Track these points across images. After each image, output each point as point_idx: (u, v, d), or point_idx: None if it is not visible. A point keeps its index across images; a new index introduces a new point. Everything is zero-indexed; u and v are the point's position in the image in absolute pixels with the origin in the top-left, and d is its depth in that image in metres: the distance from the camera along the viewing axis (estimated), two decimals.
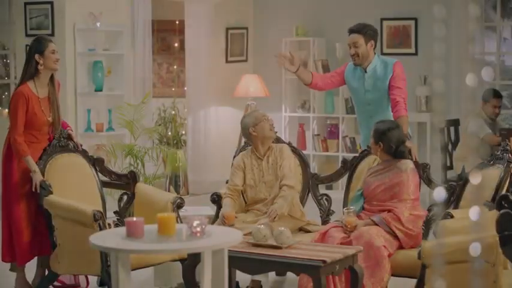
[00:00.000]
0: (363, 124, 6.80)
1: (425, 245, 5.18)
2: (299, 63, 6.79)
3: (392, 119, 6.39)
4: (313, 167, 10.72)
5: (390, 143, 5.93)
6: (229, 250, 4.84)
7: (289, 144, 6.70)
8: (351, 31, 6.65)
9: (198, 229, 4.42)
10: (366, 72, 6.64)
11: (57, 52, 6.24)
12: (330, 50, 10.88)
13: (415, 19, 10.44)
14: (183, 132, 11.61)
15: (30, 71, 6.18)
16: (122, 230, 4.60)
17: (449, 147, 9.49)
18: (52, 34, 9.13)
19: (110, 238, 4.56)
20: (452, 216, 5.55)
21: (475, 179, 3.08)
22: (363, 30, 6.61)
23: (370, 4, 10.63)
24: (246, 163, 6.40)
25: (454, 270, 4.61)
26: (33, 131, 6.22)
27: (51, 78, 6.27)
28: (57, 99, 6.30)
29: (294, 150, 6.75)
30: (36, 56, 6.15)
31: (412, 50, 10.49)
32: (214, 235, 4.55)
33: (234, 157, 6.71)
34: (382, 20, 10.56)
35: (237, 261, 5.41)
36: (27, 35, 9.30)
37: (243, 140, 7.12)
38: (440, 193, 2.63)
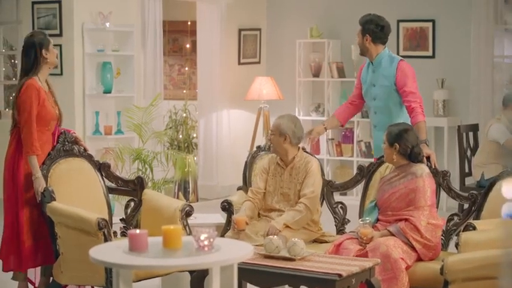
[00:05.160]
0: (377, 127, 6.57)
1: (448, 260, 4.91)
2: (323, 126, 6.76)
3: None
4: (327, 172, 10.57)
5: (407, 143, 5.70)
6: (239, 262, 4.60)
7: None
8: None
9: (206, 243, 4.16)
10: (372, 64, 6.55)
11: None
12: (345, 52, 10.71)
13: (433, 21, 10.24)
14: (195, 135, 11.47)
15: (36, 66, 6.03)
16: (125, 242, 4.36)
17: (468, 153, 9.24)
18: (60, 34, 9.09)
19: (111, 252, 4.31)
20: (474, 228, 5.30)
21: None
22: (362, 22, 6.68)
23: (386, 5, 10.43)
24: (271, 168, 6.19)
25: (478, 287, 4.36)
26: (41, 127, 5.99)
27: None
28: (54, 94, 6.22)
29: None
30: (43, 52, 6.03)
31: (429, 53, 10.31)
32: (223, 249, 4.29)
33: (246, 162, 6.55)
34: (398, 21, 10.38)
35: (248, 273, 5.17)
36: None
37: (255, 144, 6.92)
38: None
